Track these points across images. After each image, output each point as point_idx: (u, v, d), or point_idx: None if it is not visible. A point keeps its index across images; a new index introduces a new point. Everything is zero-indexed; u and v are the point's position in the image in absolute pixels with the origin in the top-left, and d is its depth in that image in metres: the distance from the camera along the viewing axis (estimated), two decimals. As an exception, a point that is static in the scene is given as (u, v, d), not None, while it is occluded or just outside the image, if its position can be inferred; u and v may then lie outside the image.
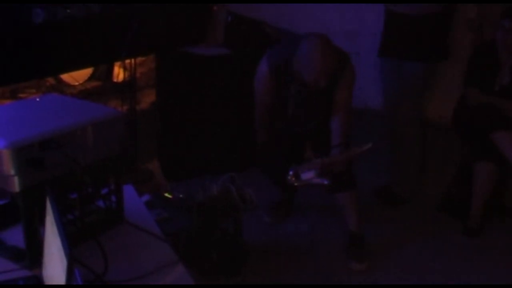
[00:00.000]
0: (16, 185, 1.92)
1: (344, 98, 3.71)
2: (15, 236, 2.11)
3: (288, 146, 3.92)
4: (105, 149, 2.20)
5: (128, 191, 2.52)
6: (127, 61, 4.41)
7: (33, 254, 2.02)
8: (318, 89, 3.58)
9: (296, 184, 3.54)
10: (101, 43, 4.43)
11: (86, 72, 5.36)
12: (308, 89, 3.62)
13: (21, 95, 4.89)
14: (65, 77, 5.15)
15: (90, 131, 2.12)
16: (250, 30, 5.07)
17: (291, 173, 3.51)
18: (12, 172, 1.89)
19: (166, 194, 4.07)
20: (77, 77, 5.26)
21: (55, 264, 1.67)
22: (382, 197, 4.58)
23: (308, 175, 3.49)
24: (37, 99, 2.44)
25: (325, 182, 3.48)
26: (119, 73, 5.40)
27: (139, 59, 4.90)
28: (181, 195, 4.05)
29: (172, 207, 4.00)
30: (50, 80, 5.16)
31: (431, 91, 4.59)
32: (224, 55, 4.81)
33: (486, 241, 4.13)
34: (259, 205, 4.04)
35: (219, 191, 3.53)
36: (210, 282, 3.38)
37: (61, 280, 1.53)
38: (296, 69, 3.56)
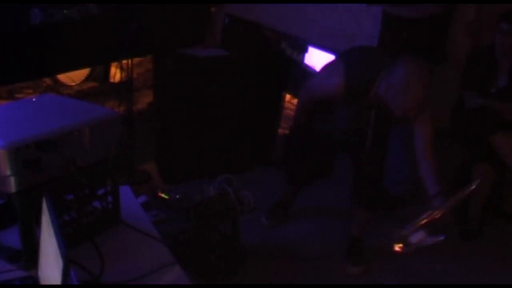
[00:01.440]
0: (12, 185, 1.91)
1: (430, 134, 3.41)
2: (12, 237, 2.10)
3: (323, 146, 3.76)
4: (102, 150, 2.19)
5: (125, 192, 2.51)
6: (124, 61, 4.40)
7: (29, 255, 2.01)
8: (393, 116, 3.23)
9: (404, 251, 3.23)
10: (99, 43, 4.43)
11: (83, 73, 5.37)
12: (377, 112, 3.31)
13: (18, 95, 4.89)
14: (62, 77, 5.15)
15: (87, 132, 2.11)
16: (247, 32, 5.07)
17: (395, 240, 3.23)
18: (9, 172, 1.89)
19: (163, 195, 4.07)
20: (74, 77, 5.26)
21: (51, 265, 1.66)
22: (380, 200, 4.56)
23: (417, 237, 3.22)
24: (34, 100, 2.44)
25: (441, 238, 3.21)
26: (116, 74, 5.40)
27: (136, 60, 4.89)
28: (178, 196, 4.05)
29: (169, 208, 4.00)
30: (47, 81, 5.16)
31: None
32: (222, 56, 4.81)
33: (484, 244, 4.14)
34: (256, 207, 4.06)
35: (216, 193, 3.53)
36: (207, 284, 3.38)
37: (57, 281, 1.53)
38: (378, 95, 3.20)
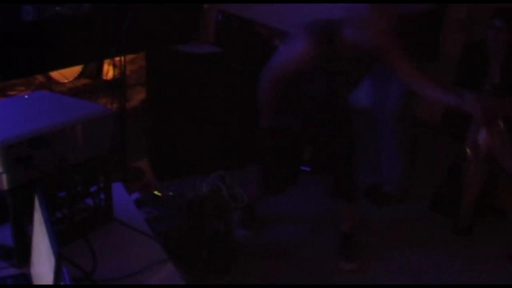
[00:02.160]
0: (4, 182, 1.91)
1: (410, 67, 3.49)
2: (3, 234, 2.09)
3: (292, 147, 3.79)
4: (94, 147, 2.19)
5: (118, 189, 2.51)
6: (117, 58, 4.39)
7: (21, 252, 2.01)
8: (361, 58, 3.35)
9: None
10: (91, 40, 4.41)
11: (76, 70, 5.34)
12: (350, 59, 3.36)
13: (10, 92, 4.86)
14: (55, 74, 5.13)
15: (79, 129, 2.11)
16: (241, 29, 5.06)
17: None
18: (1, 169, 1.88)
19: (156, 192, 4.07)
20: (66, 74, 5.23)
21: (43, 262, 1.66)
22: (371, 196, 4.58)
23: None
24: (26, 97, 2.43)
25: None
26: (109, 71, 5.38)
27: (129, 57, 4.88)
28: (171, 193, 4.04)
29: (162, 205, 3.99)
30: (40, 78, 5.13)
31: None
32: (215, 53, 4.81)
33: (477, 240, 4.15)
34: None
35: (209, 190, 3.53)
36: (200, 281, 3.38)
37: (50, 279, 1.52)
38: (347, 37, 3.23)
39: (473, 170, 4.11)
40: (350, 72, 3.47)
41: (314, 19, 3.48)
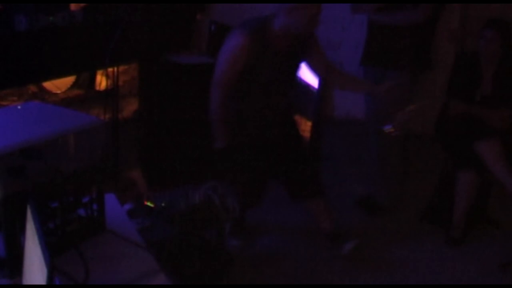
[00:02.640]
0: (-4, 193, 1.90)
1: (321, 52, 3.78)
2: (-4, 245, 2.09)
3: (258, 154, 3.84)
4: (86, 157, 2.19)
5: (110, 199, 2.50)
6: (110, 69, 4.39)
7: (13, 263, 2.00)
8: (291, 51, 3.60)
9: (397, 133, 3.79)
10: (84, 51, 4.42)
11: (69, 80, 5.35)
12: (281, 53, 3.59)
13: (2, 102, 4.86)
14: (47, 85, 5.13)
15: (71, 139, 2.10)
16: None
17: (389, 127, 3.75)
18: (-7, 180, 1.88)
19: (148, 203, 4.06)
20: (59, 85, 5.24)
21: (35, 272, 1.65)
22: (364, 206, 4.58)
23: (404, 116, 3.76)
24: (19, 107, 2.43)
25: (412, 108, 3.81)
26: (101, 81, 5.38)
27: (121, 67, 4.89)
28: (163, 204, 4.03)
29: (154, 216, 3.98)
30: (32, 88, 5.14)
31: (414, 100, 4.61)
32: (207, 63, 4.81)
33: (469, 250, 4.15)
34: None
35: (202, 200, 3.52)
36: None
37: (42, 289, 1.52)
38: (279, 26, 3.50)
39: (465, 180, 4.12)
40: (282, 71, 3.64)
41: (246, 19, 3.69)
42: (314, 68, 3.84)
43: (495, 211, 4.48)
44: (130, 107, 5.41)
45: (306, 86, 4.79)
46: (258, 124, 3.75)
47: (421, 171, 4.91)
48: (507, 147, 4.07)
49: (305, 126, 4.90)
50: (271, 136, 3.80)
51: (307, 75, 4.56)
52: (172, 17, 4.94)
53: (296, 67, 3.77)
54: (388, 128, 3.63)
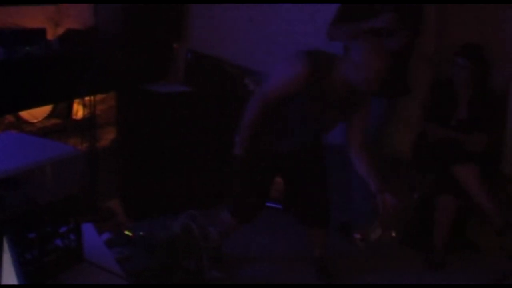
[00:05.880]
0: (-28, 224, 1.88)
1: (364, 125, 3.61)
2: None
3: (266, 170, 3.80)
4: (64, 187, 2.18)
5: (88, 229, 2.49)
6: (87, 98, 4.39)
7: (-10, 295, 1.98)
8: (341, 104, 3.47)
9: (363, 246, 3.49)
10: (61, 80, 4.41)
11: (46, 110, 5.32)
12: (331, 99, 3.45)
13: (-21, 133, 4.82)
14: (24, 114, 5.10)
15: (48, 169, 2.10)
16: (210, 67, 5.09)
17: (357, 236, 3.46)
18: (-31, 211, 1.86)
19: (127, 232, 4.04)
20: (36, 114, 5.21)
21: (12, 305, 1.64)
22: (345, 233, 4.58)
23: (377, 233, 3.46)
24: (-5, 137, 2.42)
25: (393, 234, 3.53)
26: (78, 111, 5.37)
27: (99, 96, 4.88)
28: (142, 233, 4.01)
29: (133, 245, 3.96)
30: (9, 118, 5.10)
31: (391, 125, 4.64)
32: (185, 92, 4.82)
33: (449, 273, 4.16)
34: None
35: (181, 229, 3.51)
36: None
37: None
38: (342, 74, 3.35)
39: (444, 205, 4.14)
40: (323, 115, 3.53)
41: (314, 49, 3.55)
42: (348, 133, 3.67)
43: (474, 235, 4.49)
44: (108, 136, 5.39)
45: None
46: (279, 148, 3.70)
47: (399, 195, 4.92)
48: (485, 171, 4.10)
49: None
50: (289, 164, 3.79)
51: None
52: (149, 46, 4.96)
53: (336, 121, 3.64)
54: (356, 236, 3.43)
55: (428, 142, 4.31)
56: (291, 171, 3.84)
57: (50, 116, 5.41)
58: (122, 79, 4.75)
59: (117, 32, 4.70)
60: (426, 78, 4.65)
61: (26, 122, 5.20)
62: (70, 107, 5.46)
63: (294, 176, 3.86)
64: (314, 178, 3.82)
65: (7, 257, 1.74)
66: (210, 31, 5.24)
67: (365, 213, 4.55)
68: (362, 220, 4.56)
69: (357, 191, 4.56)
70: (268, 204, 4.13)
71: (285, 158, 3.75)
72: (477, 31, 4.53)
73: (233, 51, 5.14)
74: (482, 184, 4.07)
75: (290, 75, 3.43)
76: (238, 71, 4.97)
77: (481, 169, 4.10)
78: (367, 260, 4.26)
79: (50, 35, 4.69)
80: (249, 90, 4.86)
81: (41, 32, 4.52)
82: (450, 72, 4.23)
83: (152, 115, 4.60)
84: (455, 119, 4.22)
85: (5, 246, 1.76)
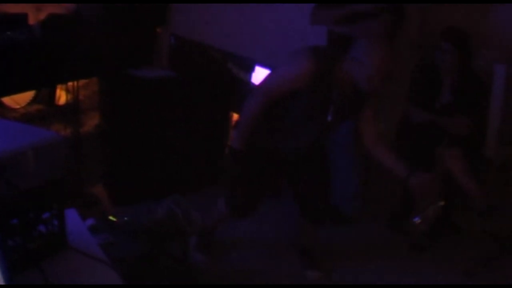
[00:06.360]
0: (-46, 211, 1.87)
1: (374, 118, 3.60)
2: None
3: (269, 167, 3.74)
4: (46, 173, 2.16)
5: (71, 215, 2.47)
6: (70, 84, 4.36)
7: (-28, 282, 1.97)
8: (346, 101, 3.41)
9: (425, 227, 3.63)
10: (43, 66, 4.38)
11: (28, 95, 5.29)
12: (335, 95, 3.40)
13: (-40, 119, 4.79)
14: (7, 100, 5.07)
15: (30, 155, 2.08)
16: (194, 52, 5.07)
17: (417, 220, 3.55)
18: (-50, 198, 1.85)
19: (111, 218, 4.03)
20: (19, 100, 5.18)
21: (-5, 292, 1.63)
22: (329, 218, 4.59)
23: (432, 210, 3.55)
24: (-23, 123, 2.40)
25: (441, 203, 3.61)
26: (61, 96, 5.34)
27: (82, 82, 4.85)
28: (126, 218, 4.00)
29: (118, 231, 3.95)
30: (-9, 104, 5.08)
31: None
32: (169, 77, 4.80)
33: (433, 257, 4.20)
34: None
35: (165, 214, 3.50)
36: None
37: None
38: (345, 71, 3.31)
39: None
40: (330, 111, 3.46)
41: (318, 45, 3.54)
42: (361, 132, 3.63)
43: (457, 218, 4.52)
44: (91, 121, 5.37)
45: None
46: (286, 149, 3.64)
47: (384, 180, 4.94)
48: (468, 154, 4.12)
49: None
50: (293, 169, 3.76)
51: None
52: (132, 31, 4.92)
53: (341, 120, 3.58)
54: (416, 220, 3.54)
55: (412, 125, 4.32)
56: (295, 174, 3.80)
57: (33, 102, 5.39)
58: (105, 64, 4.71)
59: (100, 16, 4.67)
60: (410, 61, 4.65)
61: (8, 108, 5.18)
62: (53, 93, 5.44)
63: (297, 179, 3.83)
64: (317, 181, 3.79)
65: (-11, 244, 1.73)
66: (194, 15, 5.22)
67: (347, 196, 4.58)
68: (344, 204, 4.58)
69: (338, 174, 4.57)
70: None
71: (291, 164, 3.72)
72: (461, 15, 4.54)
73: (217, 35, 5.11)
74: (465, 167, 4.09)
75: (295, 71, 3.35)
76: (221, 55, 4.95)
77: (464, 152, 4.12)
78: (351, 245, 4.29)
79: (32, 20, 4.65)
80: (233, 75, 4.86)
81: (23, 17, 4.49)
82: (434, 56, 4.23)
83: (136, 100, 4.58)
84: (439, 103, 4.23)
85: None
